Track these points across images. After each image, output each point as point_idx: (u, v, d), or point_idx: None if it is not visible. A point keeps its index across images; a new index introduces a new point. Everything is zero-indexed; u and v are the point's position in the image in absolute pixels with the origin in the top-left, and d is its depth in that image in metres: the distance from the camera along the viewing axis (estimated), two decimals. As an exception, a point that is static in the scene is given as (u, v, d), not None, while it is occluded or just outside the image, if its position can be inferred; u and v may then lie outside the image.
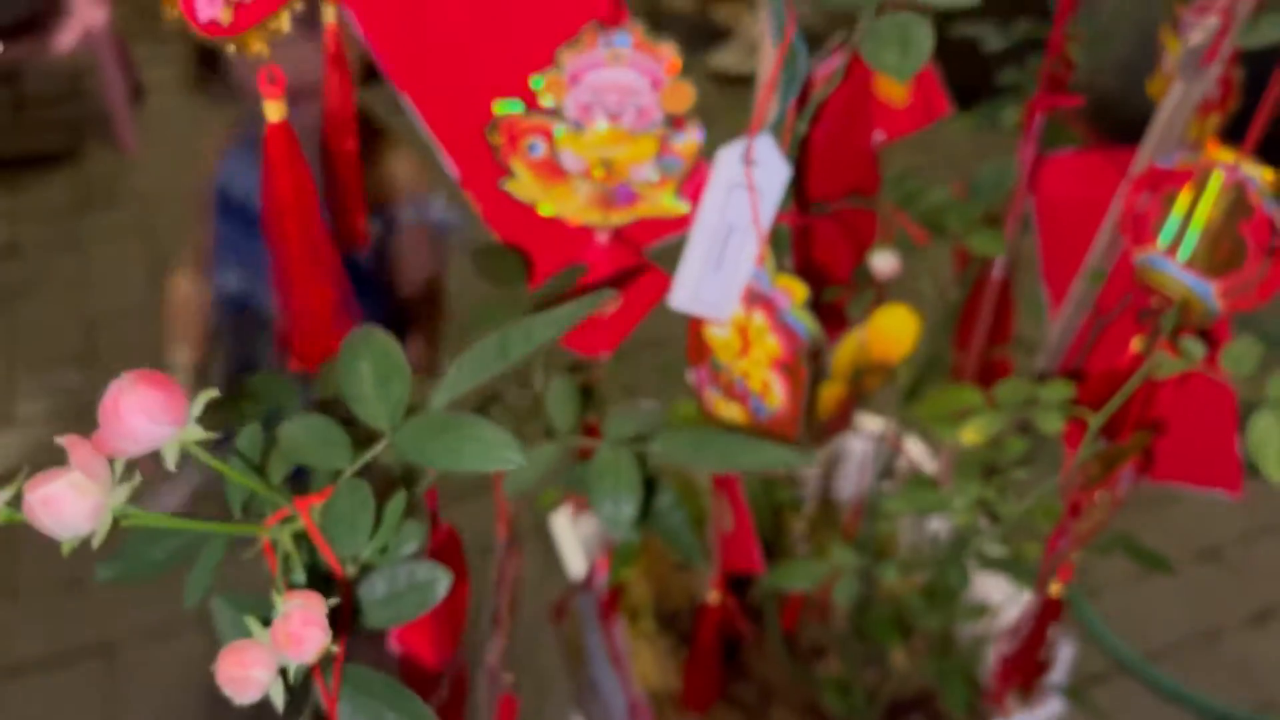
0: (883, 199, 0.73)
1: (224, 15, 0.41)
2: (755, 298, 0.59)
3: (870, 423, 0.90)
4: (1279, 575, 1.63)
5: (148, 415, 0.33)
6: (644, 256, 0.66)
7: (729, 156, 0.54)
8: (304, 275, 0.55)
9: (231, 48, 0.42)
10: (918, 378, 0.78)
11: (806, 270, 0.69)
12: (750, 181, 0.54)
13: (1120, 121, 0.82)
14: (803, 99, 0.57)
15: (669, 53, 0.58)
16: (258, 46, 0.40)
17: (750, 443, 0.51)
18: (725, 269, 0.58)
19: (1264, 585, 1.61)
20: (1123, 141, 0.78)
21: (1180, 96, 0.70)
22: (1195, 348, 0.64)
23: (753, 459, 0.51)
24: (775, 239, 0.58)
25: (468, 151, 0.63)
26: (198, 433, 0.36)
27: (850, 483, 1.00)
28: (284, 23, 0.40)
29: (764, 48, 0.54)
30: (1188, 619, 1.58)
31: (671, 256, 0.64)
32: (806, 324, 0.56)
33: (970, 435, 0.63)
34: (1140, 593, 1.59)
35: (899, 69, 0.43)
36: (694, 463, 0.52)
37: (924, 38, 0.44)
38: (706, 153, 0.57)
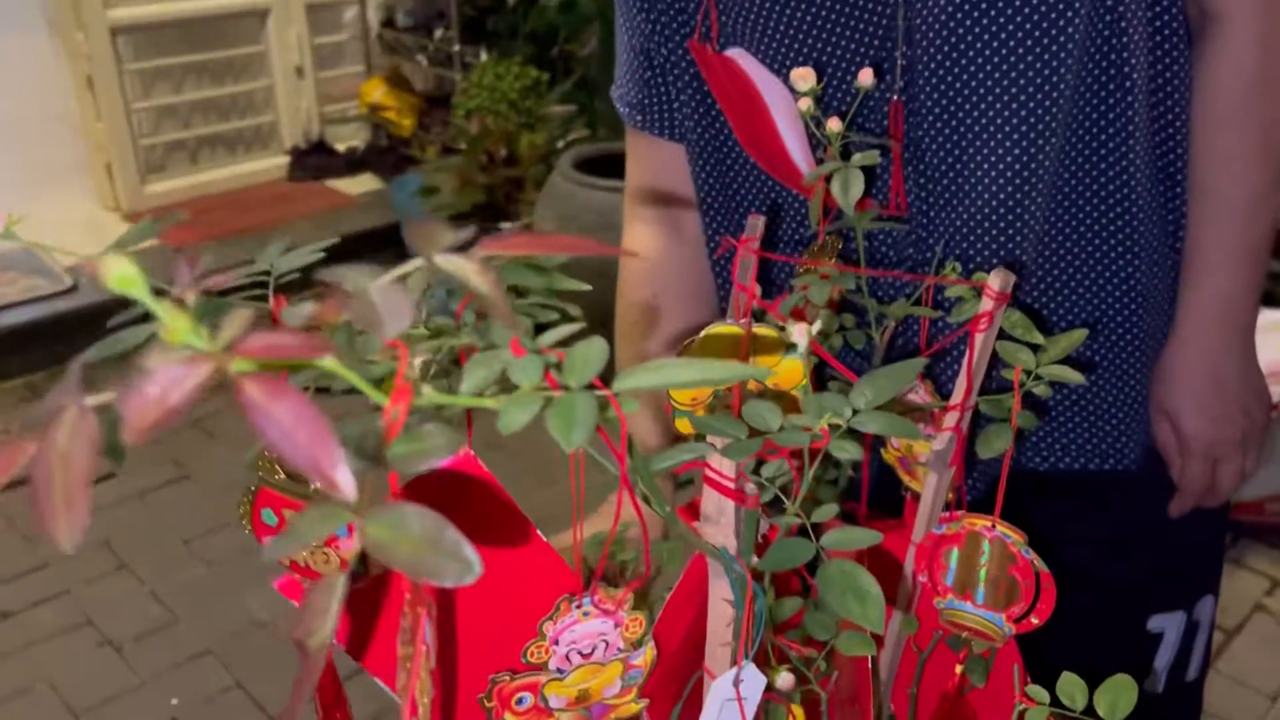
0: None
1: None
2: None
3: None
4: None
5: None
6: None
7: (722, 683, 0.67)
8: None
9: None
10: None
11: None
12: (738, 695, 0.67)
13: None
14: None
15: (627, 598, 0.71)
16: None
17: None
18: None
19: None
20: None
21: (935, 485, 0.93)
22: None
23: None
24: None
25: (466, 712, 0.71)
26: None
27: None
28: None
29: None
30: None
31: None
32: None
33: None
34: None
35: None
36: None
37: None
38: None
